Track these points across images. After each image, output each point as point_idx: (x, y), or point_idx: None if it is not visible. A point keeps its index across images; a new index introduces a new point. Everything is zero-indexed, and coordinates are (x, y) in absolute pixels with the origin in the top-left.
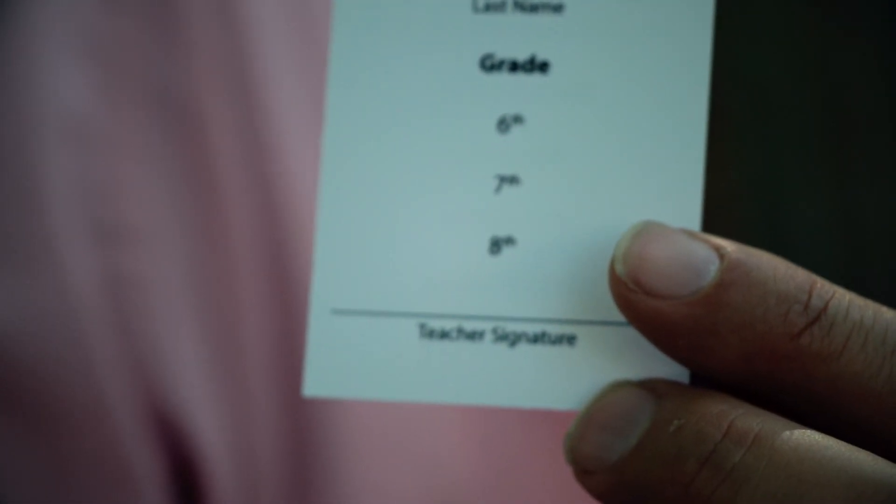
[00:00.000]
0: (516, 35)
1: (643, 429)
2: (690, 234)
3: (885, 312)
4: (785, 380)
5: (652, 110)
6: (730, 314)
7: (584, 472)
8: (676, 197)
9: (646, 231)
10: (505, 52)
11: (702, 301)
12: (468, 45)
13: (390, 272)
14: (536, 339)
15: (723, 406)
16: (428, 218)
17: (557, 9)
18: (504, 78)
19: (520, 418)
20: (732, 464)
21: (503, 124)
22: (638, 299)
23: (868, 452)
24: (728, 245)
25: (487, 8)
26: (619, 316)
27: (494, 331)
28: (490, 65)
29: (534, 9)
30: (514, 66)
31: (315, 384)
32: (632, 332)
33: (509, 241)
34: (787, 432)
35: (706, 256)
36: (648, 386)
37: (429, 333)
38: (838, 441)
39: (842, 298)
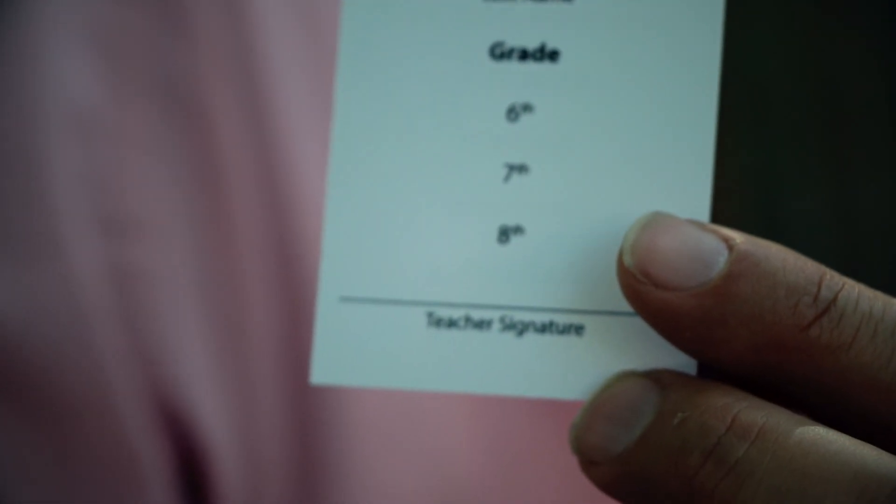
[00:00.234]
0: (526, 23)
1: (648, 420)
2: (699, 225)
3: (895, 304)
4: (794, 371)
5: (662, 100)
6: (739, 306)
7: (590, 462)
8: (685, 188)
9: (655, 222)
10: (515, 41)
11: (710, 292)
12: (478, 34)
13: (398, 260)
14: (544, 328)
15: (727, 399)
16: (436, 206)
17: None
18: (514, 66)
19: (526, 412)
20: (736, 457)
21: (512, 113)
22: (646, 290)
23: (873, 447)
24: (737, 236)
25: None
26: (627, 306)
27: (502, 320)
28: (500, 53)
29: None
30: (524, 55)
31: (322, 372)
32: (640, 323)
33: (518, 230)
34: (792, 426)
35: (715, 247)
36: (654, 377)
37: (436, 322)
38: (843, 435)
39: (851, 290)
